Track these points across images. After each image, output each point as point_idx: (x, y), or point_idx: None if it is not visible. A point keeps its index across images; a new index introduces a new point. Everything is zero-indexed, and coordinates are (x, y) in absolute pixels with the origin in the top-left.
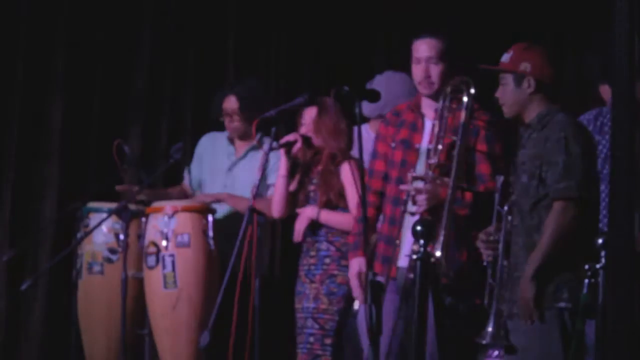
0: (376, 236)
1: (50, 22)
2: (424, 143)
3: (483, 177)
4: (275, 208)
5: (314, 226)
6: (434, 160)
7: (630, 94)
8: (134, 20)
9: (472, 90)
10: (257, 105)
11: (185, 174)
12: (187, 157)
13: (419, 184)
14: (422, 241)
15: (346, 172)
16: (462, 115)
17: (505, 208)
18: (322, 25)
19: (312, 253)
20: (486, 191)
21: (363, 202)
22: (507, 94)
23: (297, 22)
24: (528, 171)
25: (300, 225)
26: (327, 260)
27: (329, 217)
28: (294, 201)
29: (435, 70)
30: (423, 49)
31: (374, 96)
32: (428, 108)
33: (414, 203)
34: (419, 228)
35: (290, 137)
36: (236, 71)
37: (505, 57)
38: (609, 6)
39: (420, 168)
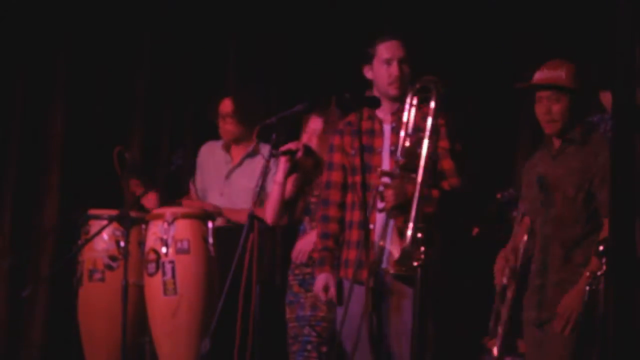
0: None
1: (51, 29)
2: (386, 146)
3: (446, 173)
4: (269, 215)
5: None
6: (400, 158)
7: (630, 100)
8: (135, 28)
9: (441, 89)
10: (251, 109)
11: (191, 186)
12: (188, 164)
13: (387, 181)
14: (422, 248)
15: None
16: (431, 113)
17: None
18: (323, 30)
19: (309, 262)
20: (451, 187)
21: (364, 209)
22: (565, 112)
23: (298, 28)
24: (574, 184)
25: (306, 247)
26: None
27: None
28: (292, 209)
29: (407, 71)
30: (394, 49)
31: (375, 103)
32: (384, 112)
33: (382, 199)
34: (419, 235)
35: (292, 145)
36: (237, 78)
37: (557, 75)
38: (610, 13)
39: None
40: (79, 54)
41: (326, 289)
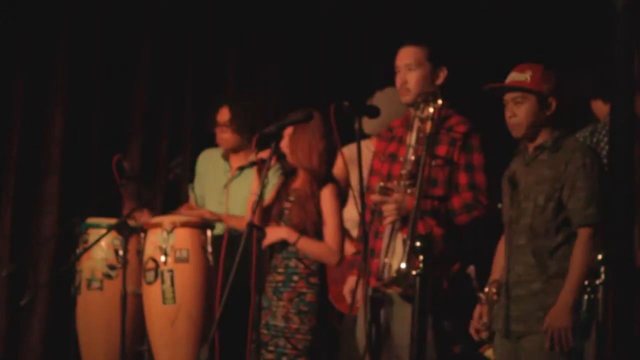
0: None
1: (50, 37)
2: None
3: (460, 188)
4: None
5: (286, 243)
6: (405, 170)
7: (629, 109)
8: (135, 35)
9: (440, 102)
10: (248, 118)
11: (190, 193)
12: (187, 172)
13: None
14: (421, 257)
15: (325, 199)
16: (428, 126)
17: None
18: (323, 40)
19: (280, 270)
20: (462, 202)
21: (362, 220)
22: (528, 114)
23: (297, 37)
24: (545, 192)
25: (268, 240)
26: (295, 278)
27: (306, 245)
28: (267, 214)
29: (412, 77)
30: (401, 56)
31: (374, 112)
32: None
33: (380, 215)
34: (418, 244)
35: (264, 155)
36: (237, 86)
37: (523, 77)
38: (606, 23)
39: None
40: (78, 61)
41: (352, 291)
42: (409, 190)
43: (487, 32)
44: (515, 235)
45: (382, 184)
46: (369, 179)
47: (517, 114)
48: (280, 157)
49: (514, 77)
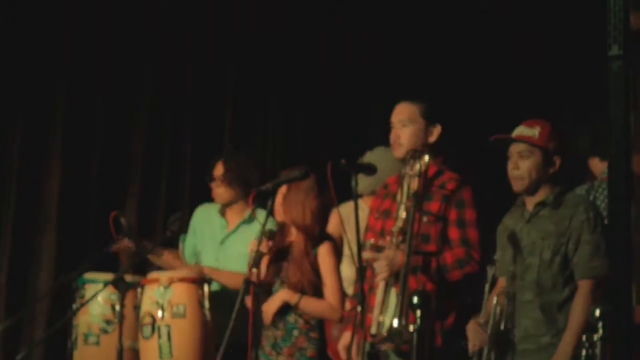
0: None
1: (48, 89)
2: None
3: (452, 243)
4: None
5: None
6: (396, 227)
7: (626, 169)
8: (131, 89)
9: (426, 158)
10: (241, 172)
11: (180, 243)
12: (185, 228)
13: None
14: (419, 313)
15: (322, 257)
16: (414, 182)
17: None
18: (319, 97)
19: (279, 325)
20: (454, 257)
21: (360, 276)
22: (532, 169)
23: (294, 94)
24: (551, 247)
25: (272, 308)
26: (295, 333)
27: (308, 305)
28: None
29: (405, 133)
30: (396, 112)
31: (370, 170)
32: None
33: (373, 271)
34: (415, 300)
35: (263, 248)
36: (233, 141)
37: (531, 132)
38: (603, 82)
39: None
40: (75, 116)
41: (348, 347)
42: (401, 247)
43: (484, 87)
44: (520, 291)
45: (372, 241)
46: (364, 235)
47: (521, 167)
48: (271, 237)
49: (522, 131)
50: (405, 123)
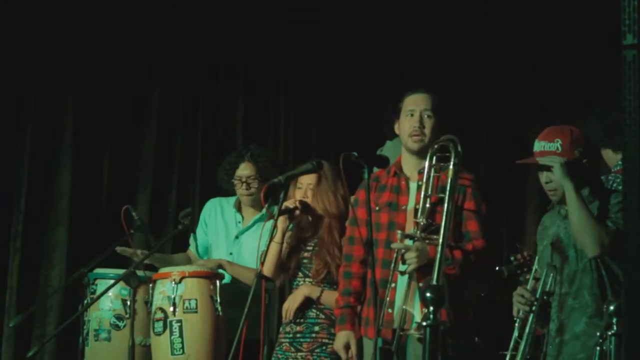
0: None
1: (59, 88)
2: (411, 204)
3: (471, 235)
4: (267, 273)
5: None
6: (421, 219)
7: None
8: (143, 86)
9: (459, 149)
10: (274, 169)
11: (191, 241)
12: (196, 223)
13: (408, 243)
14: (432, 308)
15: None
16: (450, 173)
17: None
18: (332, 89)
19: (300, 320)
20: (474, 249)
21: (372, 270)
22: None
23: (305, 88)
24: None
25: (293, 305)
26: (317, 329)
27: (330, 298)
28: (285, 266)
29: (429, 124)
30: (417, 101)
31: (383, 162)
32: (411, 170)
33: (404, 262)
34: (428, 294)
35: (289, 204)
36: (245, 137)
37: (554, 147)
38: (617, 73)
39: (409, 228)
40: (86, 111)
41: (347, 347)
42: (427, 240)
43: (494, 81)
44: (558, 284)
45: (404, 232)
46: (352, 229)
47: (554, 180)
48: (304, 208)
49: (543, 147)
50: (429, 114)
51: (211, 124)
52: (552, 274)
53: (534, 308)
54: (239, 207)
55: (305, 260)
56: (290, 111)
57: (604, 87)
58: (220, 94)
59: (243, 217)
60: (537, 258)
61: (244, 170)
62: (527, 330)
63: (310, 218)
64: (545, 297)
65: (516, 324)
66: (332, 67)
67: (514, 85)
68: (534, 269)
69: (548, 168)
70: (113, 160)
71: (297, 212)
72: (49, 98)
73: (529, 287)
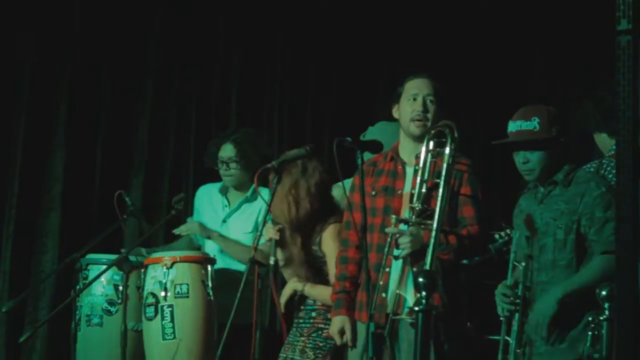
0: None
1: (53, 73)
2: (407, 188)
3: (467, 220)
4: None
5: None
6: (417, 204)
7: (633, 144)
8: (137, 72)
9: (456, 134)
10: (254, 153)
11: None
12: (189, 208)
13: (403, 227)
14: (424, 293)
15: (327, 241)
16: (446, 158)
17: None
18: (324, 75)
19: (302, 307)
20: (469, 235)
21: (365, 256)
22: (541, 160)
23: (299, 72)
24: (564, 227)
25: (282, 299)
26: (314, 314)
27: (312, 291)
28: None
29: (432, 109)
30: (422, 86)
31: (376, 147)
32: (408, 155)
33: (397, 247)
34: (420, 279)
35: (274, 235)
36: (238, 122)
37: (531, 125)
38: (611, 57)
39: (405, 213)
40: (79, 97)
41: (342, 332)
42: (422, 225)
43: (490, 64)
44: (535, 272)
45: (399, 217)
46: (347, 214)
47: (531, 159)
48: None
49: (520, 126)
50: (432, 99)
51: (205, 110)
52: (530, 267)
53: (518, 307)
54: (225, 192)
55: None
56: (286, 97)
57: (601, 72)
58: (215, 80)
59: (229, 201)
60: (514, 240)
61: (225, 151)
62: (514, 328)
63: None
64: (527, 294)
65: (503, 323)
66: (328, 53)
67: (509, 69)
68: (512, 255)
69: (525, 147)
70: (106, 146)
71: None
72: (43, 83)
73: (509, 282)
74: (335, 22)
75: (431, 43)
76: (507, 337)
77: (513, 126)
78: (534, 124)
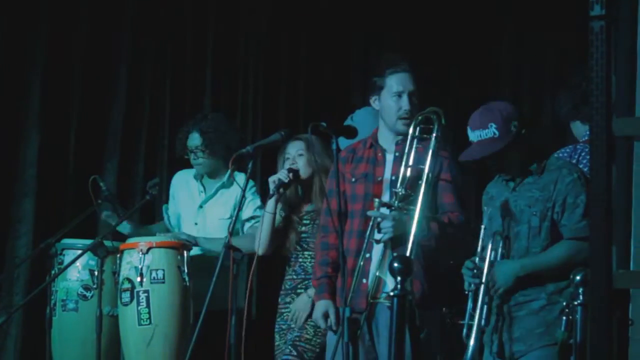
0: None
1: (26, 56)
2: (387, 175)
3: (447, 207)
4: (261, 246)
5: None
6: (400, 189)
7: (607, 131)
8: (111, 56)
9: (443, 121)
10: (221, 140)
11: (164, 213)
12: (164, 193)
13: (385, 211)
14: (399, 278)
15: None
16: (432, 144)
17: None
18: (300, 59)
19: (299, 292)
20: (450, 222)
21: (340, 243)
22: (511, 161)
23: (274, 57)
24: (538, 214)
25: (304, 313)
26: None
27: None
28: (281, 239)
29: (417, 106)
30: (405, 82)
31: (351, 132)
32: (388, 142)
33: (379, 230)
34: (396, 265)
35: (282, 176)
36: (213, 107)
37: (490, 132)
38: (584, 46)
39: (385, 200)
40: (53, 81)
41: (325, 316)
42: (404, 210)
43: (464, 53)
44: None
45: (382, 200)
46: (329, 200)
47: (505, 165)
48: (295, 176)
49: (479, 136)
50: (415, 95)
51: (180, 94)
52: (500, 242)
53: (483, 280)
54: (200, 178)
55: (304, 235)
56: (259, 80)
57: (573, 54)
58: (188, 62)
59: (205, 187)
60: (482, 227)
61: (192, 140)
62: (479, 301)
63: (300, 189)
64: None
65: (469, 297)
66: (302, 35)
67: (482, 50)
68: (480, 239)
69: (493, 159)
70: (80, 130)
71: (291, 181)
72: (14, 67)
73: (476, 259)
74: (307, 3)
75: (405, 26)
76: (472, 311)
77: (473, 136)
78: (492, 130)
